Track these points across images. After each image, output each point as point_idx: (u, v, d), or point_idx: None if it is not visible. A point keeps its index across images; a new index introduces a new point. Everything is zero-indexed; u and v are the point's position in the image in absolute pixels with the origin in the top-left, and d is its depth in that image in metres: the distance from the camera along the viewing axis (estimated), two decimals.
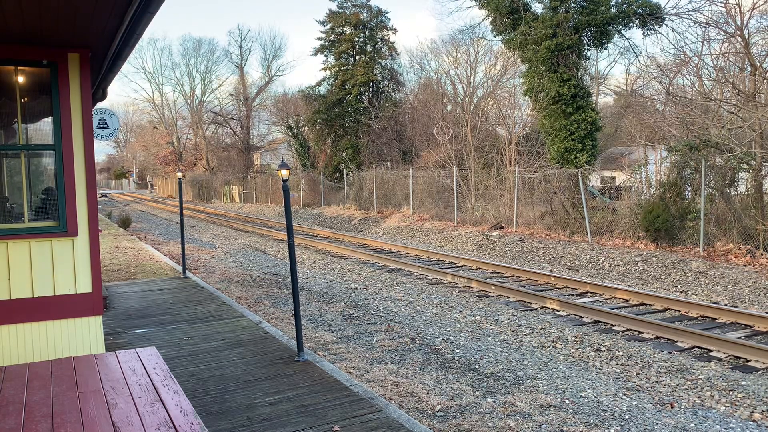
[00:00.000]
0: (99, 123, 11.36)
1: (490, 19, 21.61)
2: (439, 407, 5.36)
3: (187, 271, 11.32)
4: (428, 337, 7.95)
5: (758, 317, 8.53)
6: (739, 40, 14.43)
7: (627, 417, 5.42)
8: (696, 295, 10.74)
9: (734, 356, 7.27)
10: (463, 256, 15.14)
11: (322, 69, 35.68)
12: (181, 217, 12.17)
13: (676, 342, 7.89)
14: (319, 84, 35.44)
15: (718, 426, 5.31)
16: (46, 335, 4.67)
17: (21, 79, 4.68)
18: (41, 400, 3.35)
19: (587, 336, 8.18)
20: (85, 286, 4.79)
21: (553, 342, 7.96)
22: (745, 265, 11.40)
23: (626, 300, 10.27)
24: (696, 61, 15.67)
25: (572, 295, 10.90)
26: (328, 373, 5.47)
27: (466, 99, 26.51)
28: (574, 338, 8.07)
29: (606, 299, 10.49)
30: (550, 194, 17.64)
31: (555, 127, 19.84)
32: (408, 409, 5.23)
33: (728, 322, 8.76)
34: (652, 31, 19.74)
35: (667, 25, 19.47)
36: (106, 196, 62.18)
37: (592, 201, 18.19)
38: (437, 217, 21.24)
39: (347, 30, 34.24)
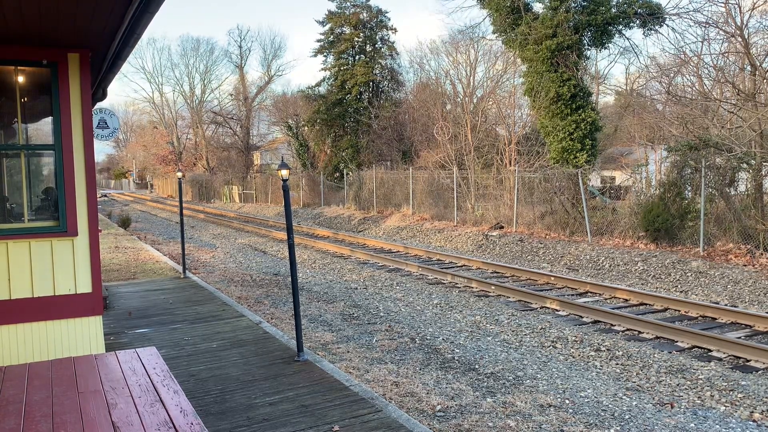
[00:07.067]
0: (99, 123, 11.35)
1: (491, 19, 21.61)
2: (439, 407, 5.36)
3: (187, 271, 11.32)
4: (428, 337, 7.95)
5: (758, 317, 8.53)
6: (739, 40, 14.43)
7: (627, 417, 5.42)
8: (696, 295, 10.74)
9: (734, 356, 7.27)
10: (463, 256, 15.14)
11: (322, 69, 35.69)
12: (181, 217, 12.18)
13: (676, 342, 7.89)
14: (319, 84, 35.41)
15: (718, 426, 5.31)
16: (46, 335, 4.67)
17: (21, 79, 4.68)
18: (41, 400, 3.35)
19: (587, 336, 8.18)
20: (85, 286, 4.79)
21: (553, 342, 7.96)
22: (745, 265, 11.40)
23: (626, 300, 10.27)
24: (696, 61, 15.66)
25: (572, 295, 10.90)
26: (328, 373, 5.47)
27: (466, 99, 26.49)
28: (574, 338, 8.07)
29: (606, 299, 10.49)
30: (550, 194, 17.64)
31: (555, 127, 19.82)
32: (408, 409, 5.23)
33: (728, 322, 8.76)
34: (653, 31, 19.70)
35: (667, 25, 19.44)
36: (105, 196, 62.16)
37: (592, 201, 18.18)
38: (437, 217, 21.23)
39: (347, 30, 34.20)
